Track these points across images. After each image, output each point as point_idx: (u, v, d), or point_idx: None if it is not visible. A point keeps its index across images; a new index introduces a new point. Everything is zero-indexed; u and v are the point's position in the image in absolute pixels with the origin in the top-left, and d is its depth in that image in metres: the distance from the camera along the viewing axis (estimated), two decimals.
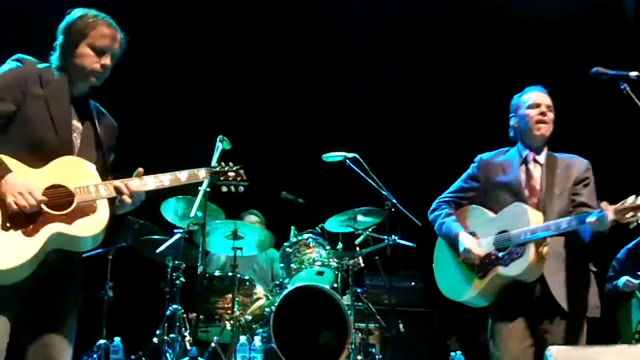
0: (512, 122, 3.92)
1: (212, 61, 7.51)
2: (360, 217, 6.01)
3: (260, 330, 5.44)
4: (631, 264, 5.59)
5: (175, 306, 5.45)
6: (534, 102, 3.85)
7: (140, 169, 3.09)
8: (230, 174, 3.42)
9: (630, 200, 3.36)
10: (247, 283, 5.84)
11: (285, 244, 5.98)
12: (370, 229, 6.08)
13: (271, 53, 7.62)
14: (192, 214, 5.31)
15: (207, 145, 5.19)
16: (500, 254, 3.67)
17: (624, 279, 5.50)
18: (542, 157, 3.84)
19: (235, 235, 5.82)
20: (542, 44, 7.23)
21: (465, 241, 3.78)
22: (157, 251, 5.70)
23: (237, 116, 7.32)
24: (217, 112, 7.31)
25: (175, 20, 7.28)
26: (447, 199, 4.04)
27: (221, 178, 3.41)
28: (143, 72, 6.23)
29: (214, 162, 4.93)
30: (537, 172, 3.81)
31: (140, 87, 6.81)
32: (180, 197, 5.68)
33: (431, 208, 4.08)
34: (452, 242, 3.87)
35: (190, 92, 7.42)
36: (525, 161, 3.83)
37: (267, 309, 5.49)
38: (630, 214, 3.33)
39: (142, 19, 6.46)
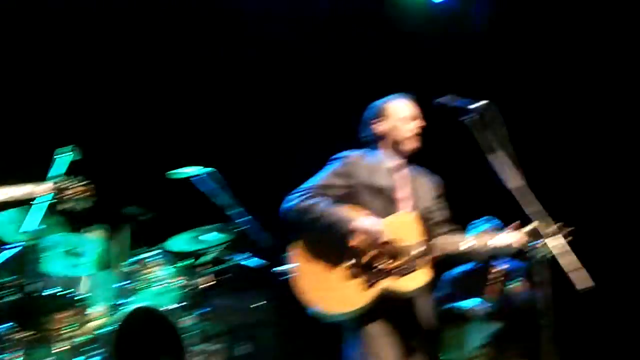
0: (381, 126, 3.82)
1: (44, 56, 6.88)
2: (209, 235, 5.88)
3: (96, 352, 5.19)
4: (474, 287, 5.50)
5: (6, 325, 5.08)
6: (412, 114, 3.82)
7: None
8: (78, 188, 3.22)
9: (535, 224, 3.48)
10: (83, 302, 5.52)
11: (127, 261, 5.74)
12: (220, 247, 5.95)
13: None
14: (27, 228, 5.06)
15: (50, 155, 4.87)
16: (392, 265, 3.49)
17: (470, 302, 5.38)
18: (407, 168, 3.84)
19: (73, 252, 5.56)
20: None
21: (371, 222, 3.46)
22: None
23: (82, 120, 6.84)
24: (59, 116, 6.83)
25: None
26: (315, 191, 3.62)
27: (67, 193, 3.20)
28: None
29: (50, 174, 4.60)
30: (404, 182, 3.77)
31: None
32: (18, 209, 5.30)
33: (299, 197, 3.60)
34: (343, 231, 3.45)
35: (28, 94, 6.87)
36: (394, 169, 3.78)
37: (103, 330, 5.26)
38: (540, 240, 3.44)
39: None
